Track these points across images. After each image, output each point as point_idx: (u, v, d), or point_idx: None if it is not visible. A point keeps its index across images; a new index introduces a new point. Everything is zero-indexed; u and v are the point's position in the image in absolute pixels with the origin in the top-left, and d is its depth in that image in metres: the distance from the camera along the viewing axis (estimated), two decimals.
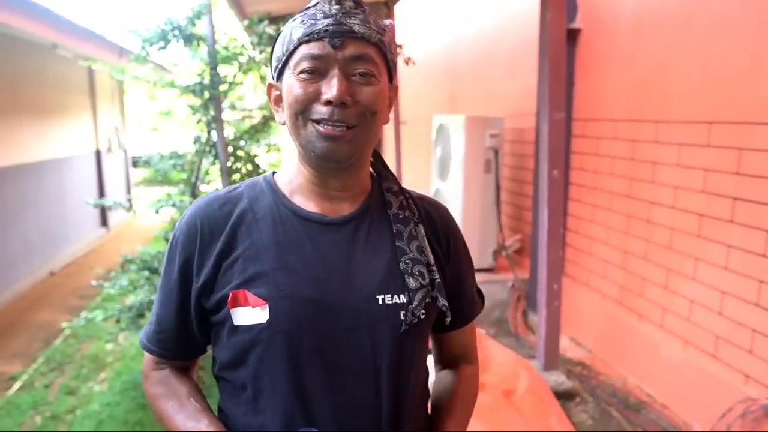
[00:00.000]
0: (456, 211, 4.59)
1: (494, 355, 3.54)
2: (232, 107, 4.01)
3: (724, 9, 2.73)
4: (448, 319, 0.95)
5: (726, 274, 2.75)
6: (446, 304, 0.93)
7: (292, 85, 0.86)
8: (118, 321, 3.28)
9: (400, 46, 5.81)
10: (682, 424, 2.91)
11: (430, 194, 5.27)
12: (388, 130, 9.82)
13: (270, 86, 0.95)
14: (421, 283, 0.91)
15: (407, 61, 5.77)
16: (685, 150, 3.00)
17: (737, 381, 2.69)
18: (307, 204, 0.92)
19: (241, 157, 3.61)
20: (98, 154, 8.08)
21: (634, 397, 3.20)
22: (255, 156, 3.70)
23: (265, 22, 3.37)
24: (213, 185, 3.75)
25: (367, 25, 0.86)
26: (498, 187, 4.56)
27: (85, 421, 3.15)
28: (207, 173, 3.63)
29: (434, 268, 0.93)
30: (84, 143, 7.61)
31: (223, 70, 3.35)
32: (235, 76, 3.42)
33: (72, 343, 4.26)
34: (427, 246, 0.95)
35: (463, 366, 1.09)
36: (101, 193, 8.10)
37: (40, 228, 6.08)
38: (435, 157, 5.06)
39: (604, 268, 3.77)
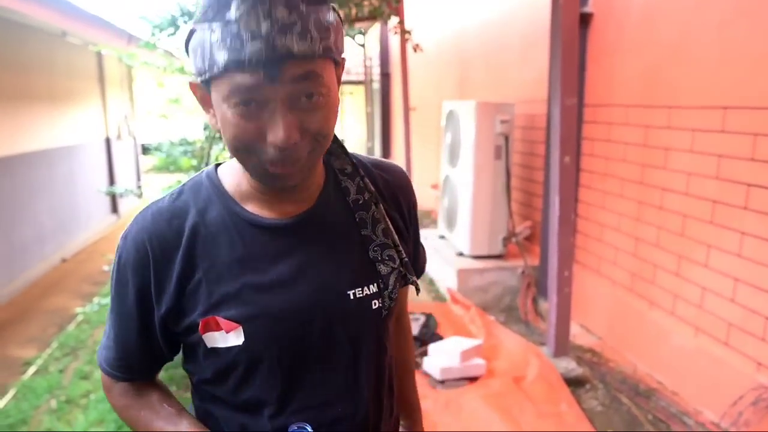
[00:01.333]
0: (466, 198, 4.57)
1: (504, 342, 3.55)
2: None
3: None
4: (418, 293, 0.97)
5: (739, 261, 2.73)
6: (415, 279, 0.94)
7: (226, 116, 0.72)
8: None
9: (409, 32, 5.77)
10: (693, 411, 2.91)
11: (440, 181, 5.26)
12: (397, 117, 9.80)
13: (193, 85, 0.81)
14: (392, 266, 0.90)
15: (416, 47, 5.74)
16: (698, 135, 2.96)
17: (749, 368, 2.68)
18: (261, 210, 0.85)
19: None
20: (108, 141, 8.11)
21: (645, 385, 3.19)
22: None
23: None
24: None
25: (308, 36, 0.68)
26: (508, 174, 4.53)
27: (100, 405, 3.19)
28: (217, 159, 3.64)
29: (401, 247, 0.92)
30: (94, 130, 7.64)
31: None
32: None
33: (85, 329, 4.31)
34: (390, 225, 0.92)
35: (402, 319, 1.14)
36: (111, 181, 8.15)
37: (51, 215, 6.13)
38: (445, 144, 5.04)
39: (615, 254, 3.75)
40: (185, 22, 3.10)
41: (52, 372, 3.63)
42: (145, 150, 9.63)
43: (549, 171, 3.57)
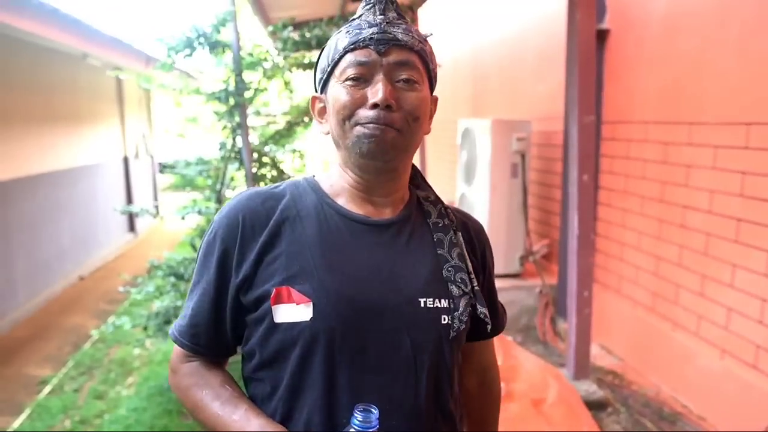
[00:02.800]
0: (482, 216, 4.53)
1: (523, 363, 3.46)
2: (257, 113, 4.03)
3: (762, 3, 2.63)
4: (489, 326, 0.96)
5: (766, 281, 2.64)
6: (485, 312, 0.95)
7: (338, 93, 0.88)
8: (145, 328, 3.30)
9: None
10: None
11: (456, 199, 5.22)
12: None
13: (314, 99, 0.97)
14: (463, 290, 0.92)
15: None
16: (721, 152, 2.90)
17: None
18: (350, 206, 0.93)
19: (266, 163, 3.61)
20: (126, 160, 8.22)
21: (669, 408, 3.09)
22: (280, 162, 3.70)
23: (290, 28, 3.37)
24: (238, 191, 3.76)
25: (410, 34, 0.89)
26: (525, 192, 4.48)
27: (113, 425, 3.17)
28: (232, 179, 3.64)
29: (473, 276, 0.95)
30: (112, 150, 7.75)
31: (248, 76, 3.36)
32: (259, 82, 3.43)
33: (101, 348, 4.32)
34: (466, 253, 0.97)
35: (488, 371, 1.13)
36: (129, 199, 8.24)
37: (71, 233, 6.20)
38: (461, 162, 5.01)
39: (636, 274, 3.67)
40: (200, 44, 3.13)
41: (67, 391, 3.62)
42: (163, 168, 9.74)
43: (566, 189, 3.52)
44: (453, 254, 0.95)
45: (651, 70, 3.43)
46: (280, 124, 4.06)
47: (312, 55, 3.68)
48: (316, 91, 0.97)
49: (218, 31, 3.18)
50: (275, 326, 0.86)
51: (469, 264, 0.96)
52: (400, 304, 0.87)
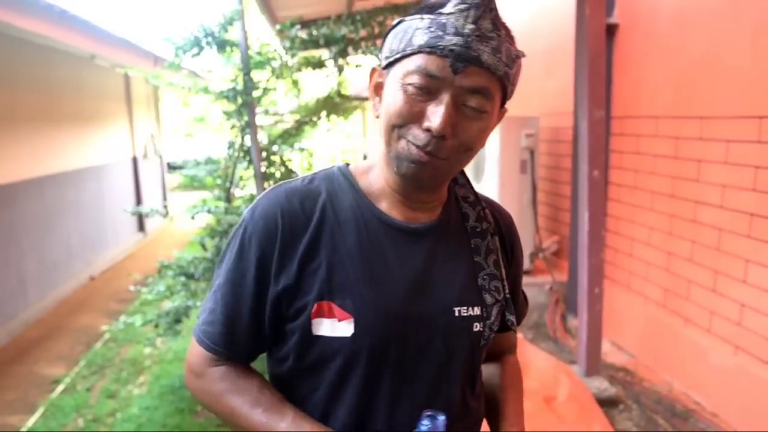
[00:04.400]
0: None
1: (533, 361, 3.45)
2: (266, 112, 4.03)
3: None
4: (515, 332, 0.99)
5: None
6: (513, 319, 0.94)
7: (396, 94, 0.79)
8: (156, 326, 3.32)
9: None
10: None
11: None
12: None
13: (374, 70, 0.88)
14: (496, 298, 0.91)
15: None
16: (733, 147, 2.87)
17: None
18: (390, 209, 0.89)
19: (274, 161, 3.61)
20: (135, 160, 8.25)
21: (681, 405, 3.07)
22: (289, 161, 3.70)
23: (297, 27, 3.37)
24: (247, 190, 3.76)
25: (498, 55, 0.77)
26: (534, 188, 4.46)
27: (125, 424, 3.19)
28: (241, 178, 3.65)
29: (506, 283, 0.94)
30: (121, 150, 7.78)
31: (256, 75, 3.36)
32: (268, 80, 3.42)
33: (112, 347, 4.34)
34: (501, 258, 0.95)
35: (507, 357, 1.11)
36: (138, 199, 8.27)
37: (80, 233, 6.23)
38: None
39: (646, 270, 3.64)
40: (208, 44, 3.13)
41: (79, 390, 3.65)
42: (171, 168, 9.78)
43: (576, 185, 3.50)
44: (489, 261, 0.93)
45: (661, 64, 3.40)
46: (289, 123, 4.06)
47: (320, 53, 3.67)
48: (380, 64, 0.87)
49: (226, 30, 3.18)
50: (315, 338, 0.83)
51: (503, 270, 0.94)
52: (436, 314, 0.86)
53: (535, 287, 4.42)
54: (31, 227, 5.15)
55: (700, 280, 3.15)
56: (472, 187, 0.99)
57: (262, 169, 3.43)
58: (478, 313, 0.89)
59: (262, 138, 3.79)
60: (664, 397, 3.16)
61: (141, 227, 8.30)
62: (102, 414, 3.33)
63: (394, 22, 0.84)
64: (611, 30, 3.77)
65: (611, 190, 3.98)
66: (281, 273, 0.84)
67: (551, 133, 4.74)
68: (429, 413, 0.80)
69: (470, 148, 0.81)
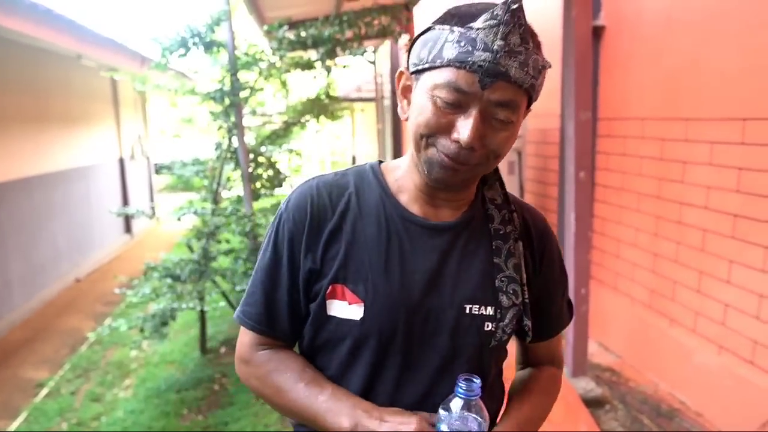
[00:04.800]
0: None
1: None
2: (253, 113, 4.01)
3: None
4: (529, 339, 0.96)
5: (763, 276, 2.64)
6: (529, 324, 0.94)
7: (425, 105, 0.82)
8: (141, 330, 3.29)
9: None
10: None
11: None
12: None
13: (402, 73, 0.90)
14: (513, 301, 0.92)
15: None
16: (717, 148, 2.90)
17: None
18: (412, 206, 0.93)
19: (262, 163, 3.60)
20: (122, 161, 8.19)
21: (667, 405, 3.10)
22: (276, 162, 3.69)
23: (285, 27, 3.36)
24: (234, 192, 3.75)
25: (525, 68, 0.79)
26: (521, 189, 4.48)
27: (110, 428, 3.16)
28: (228, 179, 3.63)
29: (526, 288, 0.94)
30: (108, 151, 7.72)
31: (243, 76, 3.35)
32: (255, 81, 3.41)
33: (97, 350, 4.30)
34: (523, 263, 0.95)
35: (546, 367, 1.09)
36: (125, 201, 8.20)
37: (67, 234, 6.17)
38: None
39: (633, 271, 3.67)
40: (195, 44, 3.11)
41: (63, 394, 3.61)
42: (159, 169, 9.71)
43: (563, 186, 3.52)
44: (509, 264, 0.93)
45: (647, 66, 3.43)
46: (277, 124, 4.05)
47: (308, 55, 3.66)
48: (406, 67, 0.89)
49: (213, 31, 3.16)
50: (328, 318, 0.90)
51: (524, 275, 0.94)
52: (445, 309, 0.89)
53: None
54: (16, 228, 5.09)
55: (686, 280, 3.18)
56: (503, 190, 0.99)
57: (250, 170, 3.42)
58: (491, 313, 0.90)
59: (250, 139, 3.78)
60: (649, 397, 3.18)
61: (128, 229, 8.24)
62: (86, 418, 3.30)
63: (425, 28, 0.85)
64: (598, 32, 3.79)
65: (598, 191, 4.00)
66: (308, 256, 0.91)
67: (538, 134, 4.77)
68: (465, 376, 0.82)
69: (498, 155, 0.85)
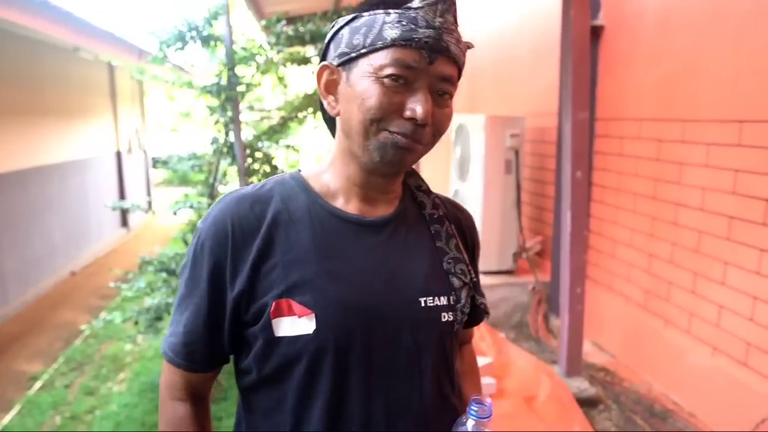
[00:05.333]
0: (476, 213, 4.52)
1: (515, 360, 3.47)
2: (251, 108, 4.00)
3: (756, 1, 2.63)
4: (487, 317, 0.99)
5: (758, 278, 2.65)
6: (485, 302, 0.96)
7: (371, 89, 0.80)
8: (136, 323, 3.28)
9: None
10: None
11: (450, 195, 5.21)
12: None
13: (324, 67, 0.86)
14: (463, 280, 0.92)
15: None
16: (714, 150, 2.90)
17: None
18: (345, 205, 0.89)
19: (259, 158, 3.59)
20: (119, 155, 8.16)
21: (660, 405, 3.10)
22: (273, 157, 3.68)
23: (283, 22, 3.35)
24: (231, 186, 3.73)
25: (459, 46, 0.83)
26: (519, 188, 4.48)
27: (104, 421, 3.16)
28: (225, 174, 3.62)
29: (470, 267, 0.94)
30: (105, 144, 7.69)
31: (240, 70, 3.33)
32: (253, 76, 3.40)
33: (92, 343, 4.29)
34: (461, 244, 0.96)
35: (465, 346, 1.11)
36: (122, 194, 8.18)
37: (62, 228, 6.15)
38: (454, 158, 5.00)
39: (628, 271, 3.68)
40: (192, 38, 3.09)
41: (57, 387, 3.60)
42: (156, 163, 9.68)
43: (560, 185, 3.52)
44: (451, 245, 0.93)
45: (645, 66, 3.43)
46: (274, 119, 4.04)
47: (306, 51, 3.65)
48: (325, 59, 0.87)
49: (210, 25, 3.14)
50: (277, 340, 0.82)
51: (465, 255, 0.95)
52: (401, 306, 0.86)
53: (518, 287, 4.44)
54: (11, 221, 5.07)
55: (680, 281, 3.18)
56: (422, 177, 1.01)
57: (246, 165, 3.41)
58: (446, 302, 0.89)
59: (247, 134, 3.76)
60: (643, 398, 3.19)
61: (124, 222, 8.22)
62: (80, 411, 3.29)
63: (346, 18, 0.85)
64: (596, 32, 3.79)
65: (595, 191, 4.01)
66: (236, 277, 0.83)
67: (536, 133, 4.77)
68: (476, 398, 0.83)
69: (441, 132, 0.86)
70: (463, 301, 0.90)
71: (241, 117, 3.38)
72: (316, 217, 0.87)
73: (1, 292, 4.82)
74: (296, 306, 0.81)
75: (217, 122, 3.38)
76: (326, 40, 0.89)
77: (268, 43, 3.47)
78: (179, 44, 3.11)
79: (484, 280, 4.43)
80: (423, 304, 0.87)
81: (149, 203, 3.62)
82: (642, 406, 3.10)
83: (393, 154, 0.82)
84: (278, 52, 3.41)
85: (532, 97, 4.88)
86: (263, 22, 3.84)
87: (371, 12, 0.82)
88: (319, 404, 0.83)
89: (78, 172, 6.66)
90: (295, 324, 0.81)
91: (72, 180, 6.48)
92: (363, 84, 0.81)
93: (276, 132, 3.77)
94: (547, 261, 4.62)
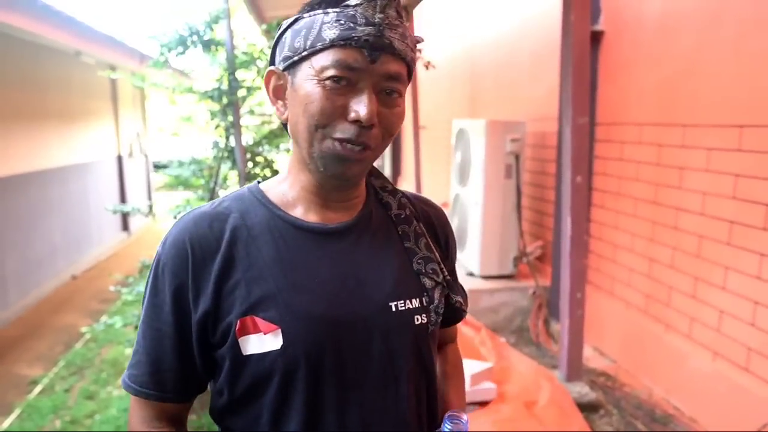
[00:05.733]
0: (476, 217, 4.52)
1: (515, 365, 3.46)
2: (251, 112, 4.01)
3: (757, 6, 2.64)
4: (466, 314, 0.96)
5: (758, 283, 2.65)
6: (461, 300, 0.94)
7: (313, 92, 0.77)
8: (136, 327, 3.28)
9: (420, 50, 5.77)
10: None
11: (450, 200, 5.21)
12: (407, 135, 9.85)
13: (271, 73, 0.85)
14: (436, 280, 0.90)
15: (427, 65, 5.73)
16: (714, 154, 2.90)
17: None
18: (305, 215, 0.86)
19: (259, 162, 3.60)
20: (120, 159, 8.18)
21: (661, 410, 3.10)
22: (273, 161, 3.69)
23: None
24: (231, 190, 3.74)
25: (405, 41, 0.80)
26: (519, 193, 4.48)
27: (104, 425, 3.15)
28: (225, 179, 3.62)
29: (443, 266, 0.93)
30: (106, 148, 7.71)
31: (241, 75, 3.34)
32: (253, 81, 3.41)
33: (92, 347, 4.29)
34: (432, 243, 0.94)
35: (449, 346, 1.09)
36: (122, 198, 8.20)
37: (63, 232, 6.16)
38: (455, 163, 5.01)
39: (629, 276, 3.67)
40: (193, 43, 3.11)
41: (57, 391, 3.60)
42: (157, 167, 9.69)
43: (560, 190, 3.52)
44: (420, 245, 0.91)
45: (645, 71, 3.43)
46: (275, 124, 4.05)
47: None
48: (273, 64, 0.85)
49: (211, 29, 3.16)
50: (245, 359, 0.80)
51: (436, 253, 0.93)
52: (371, 314, 0.83)
53: (518, 292, 4.43)
54: (13, 224, 5.08)
55: (681, 286, 3.18)
56: (388, 179, 0.97)
57: (247, 170, 3.41)
58: (418, 305, 0.87)
59: (248, 138, 3.77)
60: (644, 402, 3.18)
61: (125, 226, 8.23)
62: (80, 415, 3.29)
63: (289, 21, 0.82)
64: (597, 37, 3.80)
65: (595, 196, 4.01)
66: (199, 298, 0.81)
67: (537, 138, 4.77)
68: (451, 413, 0.80)
69: (392, 134, 0.82)
70: (436, 301, 0.88)
71: (242, 121, 3.38)
72: (276, 229, 0.84)
73: (2, 295, 4.82)
74: (261, 323, 0.79)
75: (218, 126, 3.39)
76: (272, 45, 0.87)
77: (269, 48, 3.48)
78: (180, 48, 3.12)
79: (484, 285, 4.44)
80: (394, 309, 0.85)
81: (150, 207, 3.62)
82: (643, 411, 3.10)
83: (335, 167, 0.80)
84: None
85: (533, 101, 4.89)
86: (264, 27, 3.86)
87: (311, 13, 0.79)
88: (294, 420, 0.81)
89: (79, 175, 6.67)
90: (262, 341, 0.79)
91: (73, 184, 6.49)
92: (306, 88, 0.78)
93: (276, 136, 3.78)
94: (548, 265, 4.62)
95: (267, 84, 0.86)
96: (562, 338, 3.29)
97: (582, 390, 3.16)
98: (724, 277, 2.86)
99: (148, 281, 0.85)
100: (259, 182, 0.92)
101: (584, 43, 2.99)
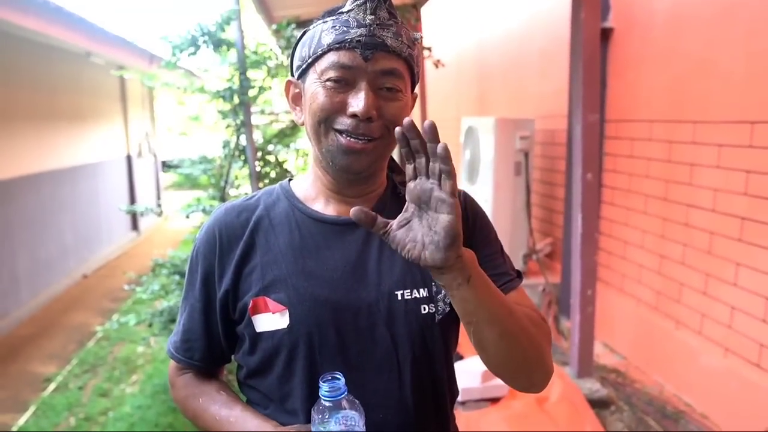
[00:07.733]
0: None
1: None
2: (261, 112, 4.03)
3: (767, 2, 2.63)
4: (517, 280, 0.96)
5: None
6: (500, 272, 0.95)
7: (316, 92, 0.85)
8: (150, 325, 3.31)
9: (429, 49, 5.77)
10: None
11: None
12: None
13: (289, 83, 0.94)
14: None
15: (436, 63, 5.73)
16: (725, 151, 2.89)
17: None
18: (324, 208, 0.94)
19: (269, 161, 3.61)
20: (129, 158, 8.23)
21: (672, 406, 3.10)
22: (284, 161, 3.71)
23: (293, 26, 3.37)
24: (242, 189, 3.76)
25: (399, 38, 0.85)
26: (528, 190, 4.48)
27: (118, 423, 3.19)
28: (236, 178, 3.65)
29: None
30: (116, 148, 7.76)
31: (252, 74, 3.36)
32: (264, 80, 3.43)
33: (105, 346, 4.33)
34: None
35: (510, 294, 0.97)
36: (132, 198, 8.25)
37: (74, 231, 6.21)
38: (464, 160, 5.01)
39: (639, 272, 3.67)
40: (205, 43, 3.13)
41: (71, 389, 3.64)
42: (166, 167, 9.75)
43: (570, 187, 3.52)
44: None
45: (655, 68, 3.42)
46: (285, 123, 4.07)
47: None
48: (292, 75, 0.94)
49: (222, 30, 3.18)
50: (258, 335, 0.89)
51: None
52: (376, 301, 0.88)
53: (528, 289, 4.43)
54: (24, 224, 5.13)
55: (692, 282, 3.17)
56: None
57: (257, 169, 3.43)
58: (425, 294, 0.90)
59: (258, 137, 3.79)
60: (655, 399, 3.18)
61: (135, 226, 8.28)
62: (94, 413, 3.33)
63: (300, 34, 0.92)
64: (606, 34, 3.79)
65: (605, 193, 4.00)
66: (223, 278, 0.92)
67: (546, 135, 4.77)
68: (327, 377, 0.79)
69: (395, 124, 0.82)
70: (443, 292, 0.89)
71: (252, 121, 3.40)
72: (294, 220, 0.93)
73: (15, 295, 4.87)
74: (271, 303, 0.88)
75: (228, 126, 3.41)
76: (290, 56, 0.96)
77: (279, 47, 3.50)
78: (192, 49, 3.14)
79: None
80: (400, 297, 0.89)
81: (160, 206, 3.65)
82: (654, 407, 3.10)
83: (342, 160, 0.86)
84: (288, 56, 3.44)
85: (542, 99, 4.88)
86: (273, 27, 3.87)
87: (314, 25, 0.89)
88: (297, 396, 0.88)
89: (89, 175, 6.72)
90: (271, 319, 0.88)
91: (83, 184, 6.54)
92: (311, 90, 0.86)
93: (286, 135, 3.80)
94: (557, 263, 4.62)
95: (287, 93, 0.95)
96: (572, 335, 3.30)
97: (593, 386, 3.17)
98: (735, 273, 2.85)
99: (189, 261, 0.97)
100: (289, 180, 1.00)
101: (594, 40, 2.99)
